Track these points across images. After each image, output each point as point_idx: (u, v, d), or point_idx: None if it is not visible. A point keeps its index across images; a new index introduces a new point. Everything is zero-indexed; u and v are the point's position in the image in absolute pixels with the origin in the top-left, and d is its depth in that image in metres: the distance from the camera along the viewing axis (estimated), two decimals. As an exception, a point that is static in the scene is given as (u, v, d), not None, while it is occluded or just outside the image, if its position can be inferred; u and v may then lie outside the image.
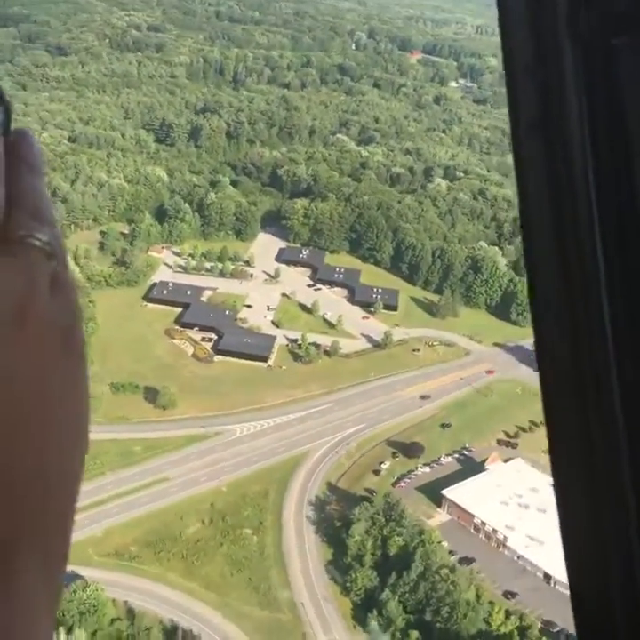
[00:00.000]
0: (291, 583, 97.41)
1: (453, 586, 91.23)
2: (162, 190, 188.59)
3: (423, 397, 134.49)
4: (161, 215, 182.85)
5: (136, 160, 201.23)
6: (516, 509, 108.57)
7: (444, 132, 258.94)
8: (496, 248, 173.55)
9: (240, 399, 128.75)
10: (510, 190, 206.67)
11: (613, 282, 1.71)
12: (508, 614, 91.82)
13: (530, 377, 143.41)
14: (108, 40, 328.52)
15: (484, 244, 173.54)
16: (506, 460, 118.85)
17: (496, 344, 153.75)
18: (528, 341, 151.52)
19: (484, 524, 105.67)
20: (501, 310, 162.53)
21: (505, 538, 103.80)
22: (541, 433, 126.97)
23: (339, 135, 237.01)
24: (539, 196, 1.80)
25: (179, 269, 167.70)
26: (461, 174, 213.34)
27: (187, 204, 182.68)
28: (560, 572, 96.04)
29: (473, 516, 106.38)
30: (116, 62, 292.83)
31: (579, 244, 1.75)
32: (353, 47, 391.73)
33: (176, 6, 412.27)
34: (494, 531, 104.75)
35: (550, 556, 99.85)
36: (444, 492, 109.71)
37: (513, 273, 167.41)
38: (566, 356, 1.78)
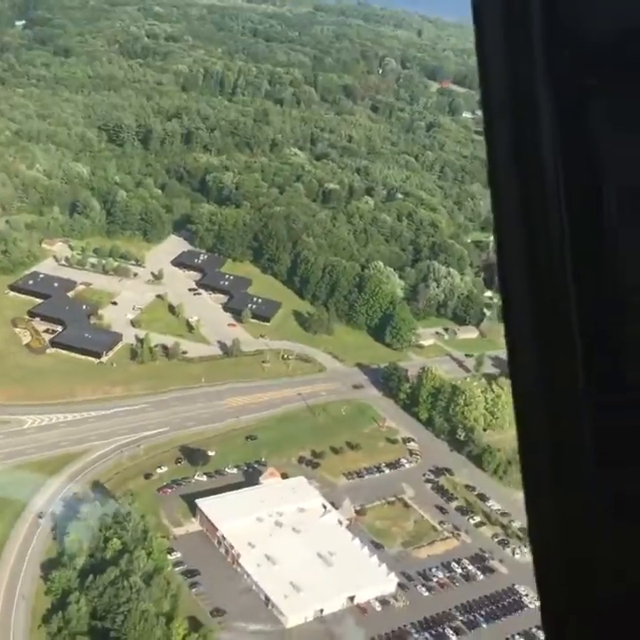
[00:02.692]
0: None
1: (137, 595, 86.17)
2: (79, 186, 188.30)
3: (246, 407, 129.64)
4: (73, 210, 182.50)
5: (65, 156, 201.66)
6: (269, 527, 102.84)
7: (416, 157, 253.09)
8: (391, 269, 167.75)
9: (52, 391, 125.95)
10: (440, 215, 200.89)
11: (582, 299, 1.93)
12: (193, 631, 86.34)
13: (369, 399, 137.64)
14: (117, 46, 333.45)
15: (380, 263, 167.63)
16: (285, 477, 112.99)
17: (358, 364, 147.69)
18: (387, 363, 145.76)
19: (224, 538, 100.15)
20: (379, 331, 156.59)
21: (238, 555, 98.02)
22: (350, 456, 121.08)
23: (294, 149, 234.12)
24: (513, 220, 1.96)
25: (64, 263, 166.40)
26: (400, 196, 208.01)
27: (96, 201, 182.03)
28: (279, 596, 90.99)
29: (217, 529, 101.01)
30: (107, 66, 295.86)
31: (550, 265, 1.95)
32: (379, 71, 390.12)
33: (216, 22, 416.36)
34: (231, 546, 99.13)
35: (278, 579, 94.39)
36: (198, 502, 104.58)
37: (398, 294, 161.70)
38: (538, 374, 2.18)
